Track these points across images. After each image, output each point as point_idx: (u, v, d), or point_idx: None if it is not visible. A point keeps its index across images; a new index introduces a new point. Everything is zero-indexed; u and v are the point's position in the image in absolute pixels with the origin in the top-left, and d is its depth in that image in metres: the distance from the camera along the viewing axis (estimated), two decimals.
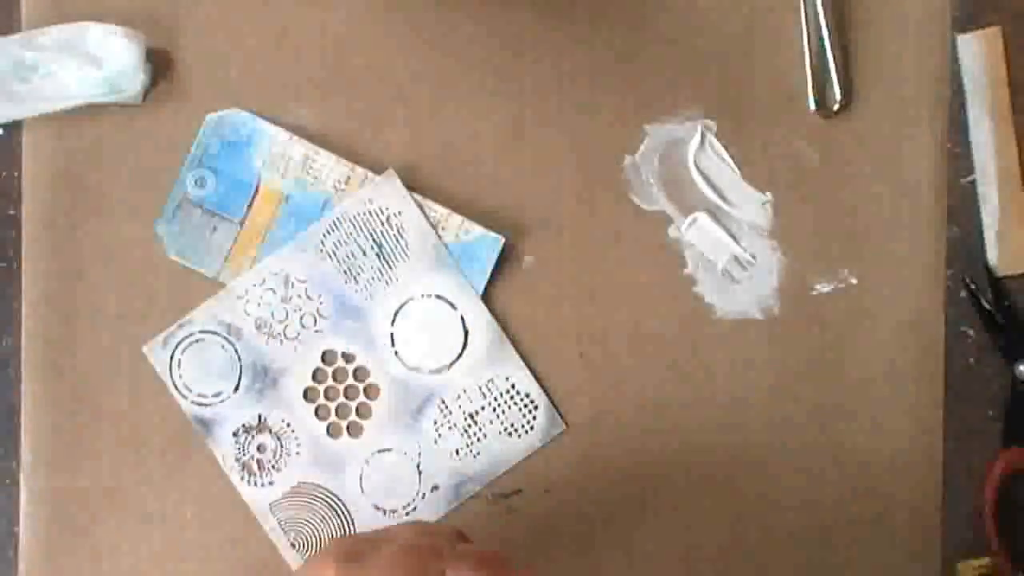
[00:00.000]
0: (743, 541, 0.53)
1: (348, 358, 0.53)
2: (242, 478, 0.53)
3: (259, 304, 0.52)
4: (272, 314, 0.52)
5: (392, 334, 0.53)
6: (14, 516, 0.53)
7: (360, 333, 0.53)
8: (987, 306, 0.53)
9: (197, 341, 0.52)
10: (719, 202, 0.53)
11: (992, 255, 0.53)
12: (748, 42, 0.54)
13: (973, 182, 0.54)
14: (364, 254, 0.52)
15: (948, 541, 0.53)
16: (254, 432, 0.53)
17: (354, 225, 0.52)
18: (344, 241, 0.52)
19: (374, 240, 0.52)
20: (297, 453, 0.53)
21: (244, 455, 0.53)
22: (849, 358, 0.53)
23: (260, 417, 0.53)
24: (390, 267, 0.53)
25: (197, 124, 0.53)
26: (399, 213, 0.52)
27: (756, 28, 0.54)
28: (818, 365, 0.53)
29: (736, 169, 0.53)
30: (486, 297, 0.53)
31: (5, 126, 0.53)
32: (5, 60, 0.52)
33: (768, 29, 0.54)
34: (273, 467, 0.53)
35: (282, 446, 0.53)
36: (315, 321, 0.52)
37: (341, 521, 0.53)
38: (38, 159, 0.53)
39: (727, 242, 0.53)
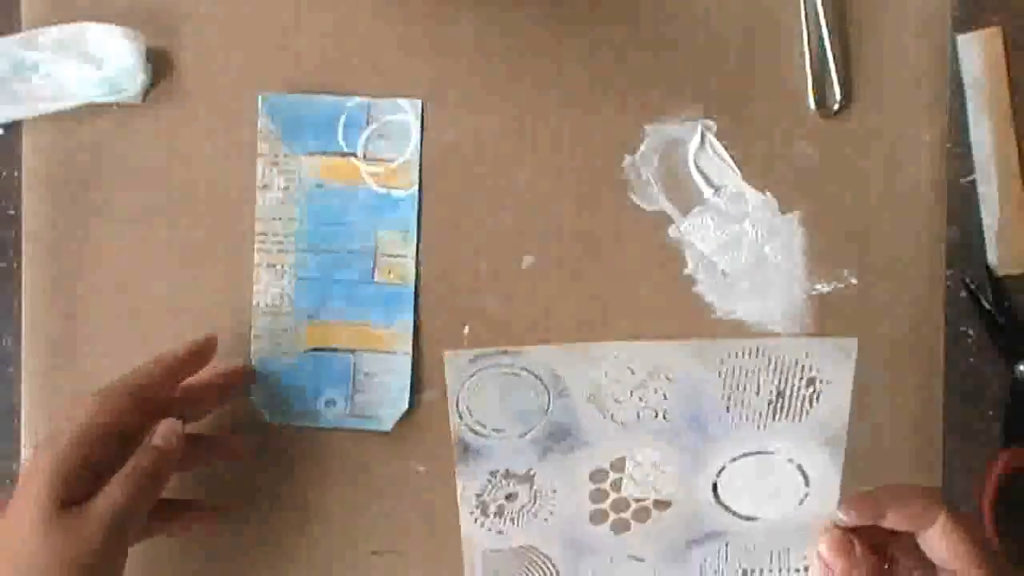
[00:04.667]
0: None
1: (660, 468, 0.48)
2: (471, 512, 0.48)
3: (607, 375, 0.46)
4: (615, 390, 0.46)
5: (716, 484, 0.48)
6: None
7: (688, 453, 0.47)
8: (987, 306, 0.53)
9: (515, 375, 0.46)
10: (719, 202, 0.53)
11: (992, 255, 0.53)
12: (748, 42, 0.54)
13: (973, 182, 0.54)
14: (758, 394, 0.46)
15: None
16: (514, 481, 0.48)
17: (774, 365, 0.46)
18: (751, 373, 0.46)
19: (778, 390, 0.46)
20: (545, 520, 0.48)
21: (489, 495, 0.48)
22: None
23: (530, 471, 0.48)
24: (773, 418, 0.46)
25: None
26: (828, 382, 0.46)
27: (756, 28, 0.54)
28: None
29: (736, 169, 0.53)
30: (485, 296, 0.53)
31: (5, 126, 0.53)
32: (5, 60, 0.52)
33: (768, 29, 0.54)
34: (511, 520, 0.49)
35: (536, 505, 0.48)
36: (655, 416, 0.47)
37: None
38: (38, 159, 0.53)
39: (727, 242, 0.53)
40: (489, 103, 0.53)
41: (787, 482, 0.47)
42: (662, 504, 0.48)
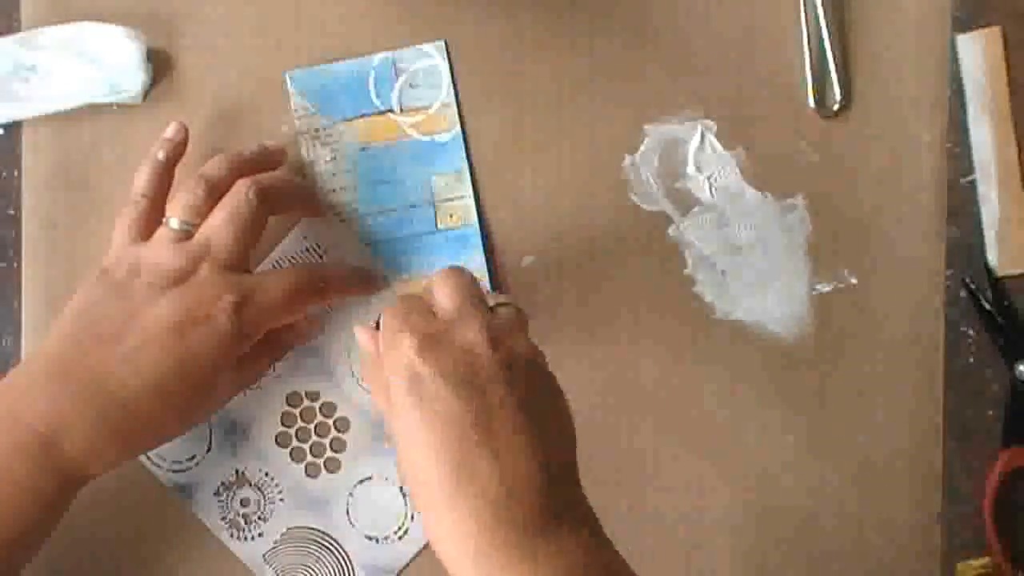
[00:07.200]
0: (743, 540, 0.53)
1: (312, 396, 0.53)
2: (232, 535, 0.52)
3: None
4: None
5: (352, 364, 0.53)
6: None
7: (319, 369, 0.53)
8: (987, 306, 0.53)
9: None
10: (719, 202, 0.53)
11: (992, 255, 0.53)
12: (748, 42, 0.54)
13: (973, 182, 0.54)
14: None
15: (948, 541, 0.53)
16: (235, 488, 0.53)
17: (294, 265, 0.53)
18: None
19: None
20: (281, 500, 0.53)
21: (229, 512, 0.52)
22: (849, 358, 0.53)
23: (238, 472, 0.53)
24: None
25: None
26: (336, 245, 0.52)
27: (756, 28, 0.54)
28: (818, 365, 0.53)
29: (736, 169, 0.53)
30: None
31: (5, 126, 0.53)
32: (5, 60, 0.52)
33: (768, 29, 0.54)
34: (260, 518, 0.52)
35: (264, 496, 0.53)
36: (272, 366, 0.52)
37: (335, 558, 0.52)
38: (38, 159, 0.53)
39: (727, 242, 0.53)
40: (489, 103, 0.53)
41: None
42: (342, 423, 0.53)
